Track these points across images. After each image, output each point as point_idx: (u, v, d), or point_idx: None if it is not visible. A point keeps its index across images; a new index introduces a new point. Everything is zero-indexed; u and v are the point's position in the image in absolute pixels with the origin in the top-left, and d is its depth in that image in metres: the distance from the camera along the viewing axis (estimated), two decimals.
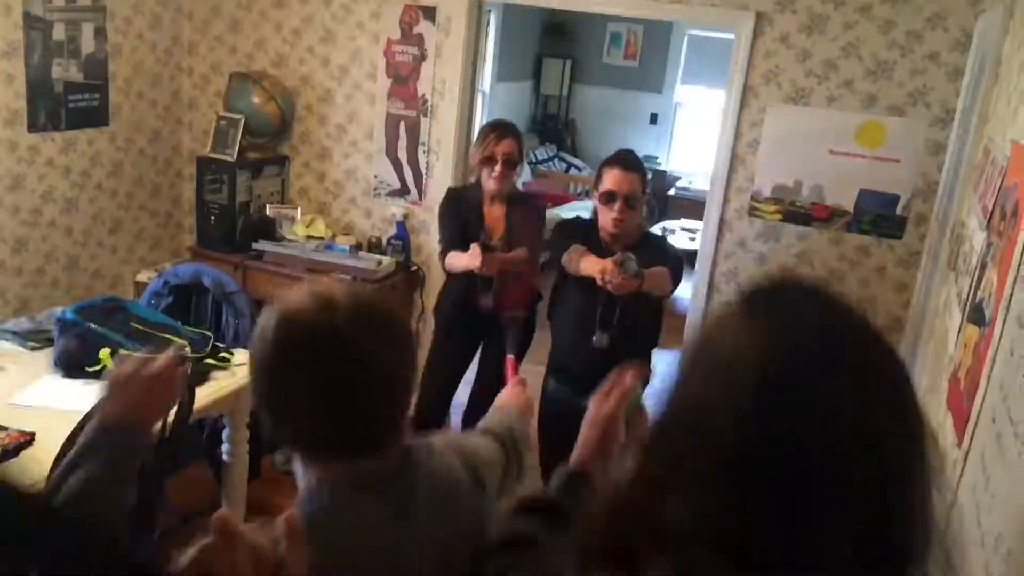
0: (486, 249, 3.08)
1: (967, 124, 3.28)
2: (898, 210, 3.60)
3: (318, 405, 1.15)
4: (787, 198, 3.72)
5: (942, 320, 2.40)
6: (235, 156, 4.22)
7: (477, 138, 3.29)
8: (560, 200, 7.98)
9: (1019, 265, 1.38)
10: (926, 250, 3.51)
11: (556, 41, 9.01)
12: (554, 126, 9.18)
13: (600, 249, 2.79)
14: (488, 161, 3.15)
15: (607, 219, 2.84)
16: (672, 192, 8.62)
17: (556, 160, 8.94)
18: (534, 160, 8.62)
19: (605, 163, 2.91)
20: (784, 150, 3.69)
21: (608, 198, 2.82)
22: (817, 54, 3.58)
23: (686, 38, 8.72)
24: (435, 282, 4.34)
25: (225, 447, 3.14)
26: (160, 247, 4.71)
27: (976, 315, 1.68)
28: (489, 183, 3.19)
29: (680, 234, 7.14)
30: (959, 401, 1.68)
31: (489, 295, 3.15)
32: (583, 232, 2.93)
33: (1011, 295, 1.40)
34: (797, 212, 3.72)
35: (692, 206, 8.37)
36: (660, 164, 8.88)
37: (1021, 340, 1.25)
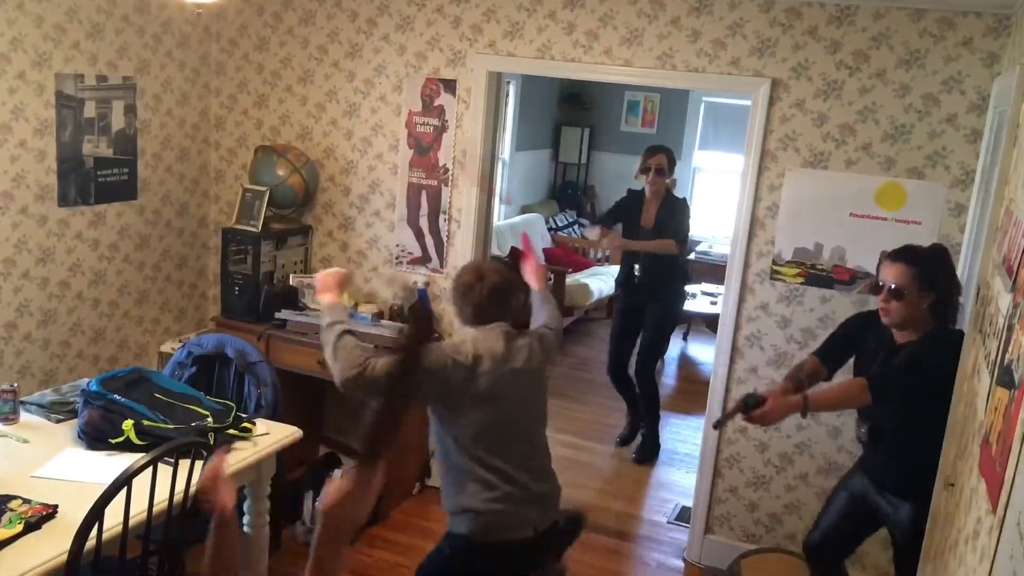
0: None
1: (988, 185, 3.29)
2: None
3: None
4: (808, 261, 3.71)
5: (971, 384, 2.37)
6: (260, 227, 4.28)
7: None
8: (581, 265, 8.01)
9: None
10: None
11: (574, 110, 9.16)
12: (573, 193, 9.27)
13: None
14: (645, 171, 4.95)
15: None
16: (692, 256, 8.62)
17: (576, 226, 9.00)
18: (553, 227, 8.69)
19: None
20: (804, 213, 3.70)
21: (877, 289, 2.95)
22: (834, 118, 3.61)
23: (703, 105, 8.84)
24: None
25: (246, 518, 3.13)
26: (185, 318, 4.76)
27: (1006, 377, 1.65)
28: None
29: (701, 298, 7.13)
30: (992, 466, 1.64)
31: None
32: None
33: None
34: (819, 275, 3.70)
35: (712, 270, 8.37)
36: None
37: None
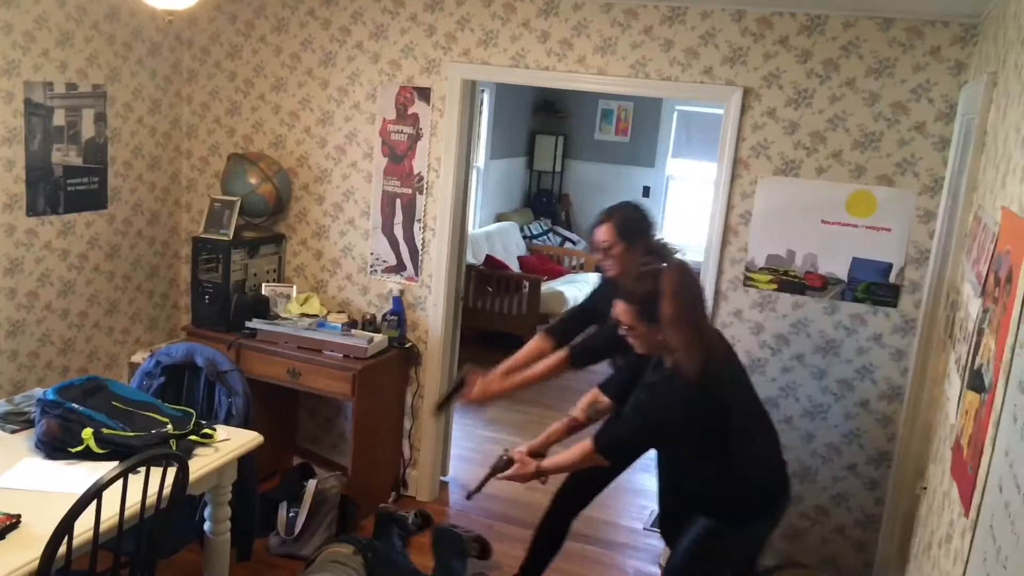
0: None
1: (956, 192, 3.33)
2: (891, 278, 3.61)
3: None
4: (781, 268, 3.74)
5: (942, 388, 2.39)
6: (231, 236, 4.25)
7: None
8: (555, 273, 8.03)
9: (1017, 330, 1.38)
10: (921, 317, 3.52)
11: (548, 118, 9.19)
12: (548, 201, 9.30)
13: None
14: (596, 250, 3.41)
15: None
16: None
17: (551, 234, 9.02)
18: (528, 235, 8.70)
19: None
20: (776, 221, 3.73)
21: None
22: (805, 127, 3.65)
23: (675, 113, 8.90)
24: (432, 357, 4.33)
25: (207, 525, 3.10)
26: (156, 328, 4.71)
27: (976, 381, 1.67)
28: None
29: None
30: (963, 470, 1.66)
31: None
32: None
33: (1011, 360, 1.39)
34: (791, 281, 3.74)
35: None
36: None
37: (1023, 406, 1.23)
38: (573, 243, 8.99)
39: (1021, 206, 1.62)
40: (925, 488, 2.25)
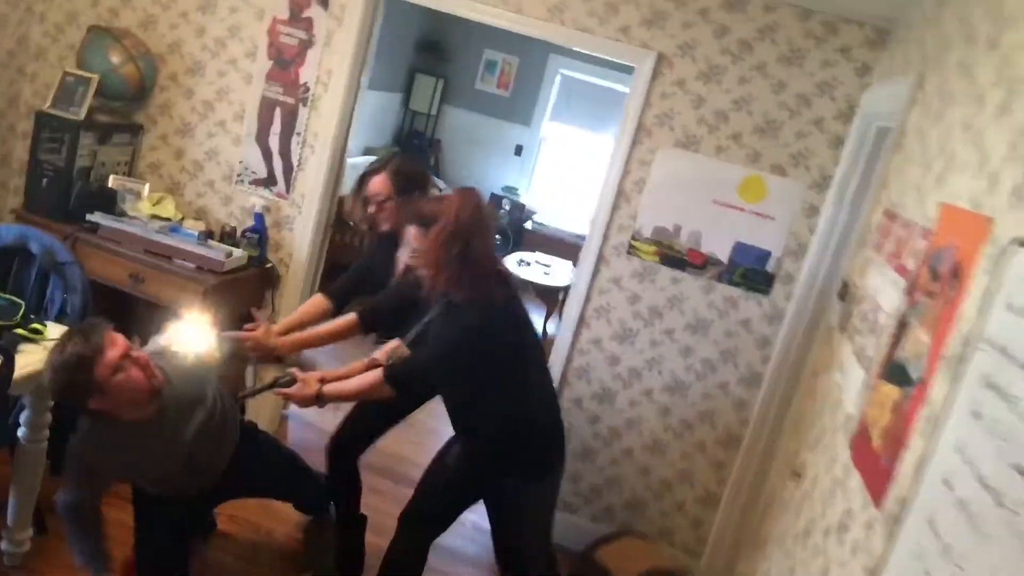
0: None
1: (844, 190, 3.40)
2: (768, 266, 3.67)
3: None
4: (666, 240, 3.72)
5: (826, 379, 2.41)
6: (82, 116, 3.79)
7: None
8: None
9: (982, 325, 1.34)
10: (792, 308, 3.59)
11: (430, 58, 8.88)
12: (419, 144, 9.02)
13: None
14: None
15: None
16: (529, 226, 8.64)
17: None
18: None
19: None
20: (668, 193, 3.70)
21: None
22: (711, 103, 3.62)
23: (559, 76, 8.81)
24: (292, 282, 4.06)
25: (22, 431, 2.76)
26: None
27: (897, 374, 1.65)
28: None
29: (535, 267, 7.12)
30: (873, 460, 1.63)
31: None
32: None
33: (962, 354, 1.36)
34: (674, 256, 3.72)
35: (548, 241, 8.42)
36: (519, 196, 8.89)
37: (988, 401, 1.20)
38: (439, 190, 8.77)
39: (971, 200, 1.60)
40: (799, 475, 2.27)
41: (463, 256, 2.40)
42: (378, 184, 3.03)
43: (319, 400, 2.66)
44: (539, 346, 2.77)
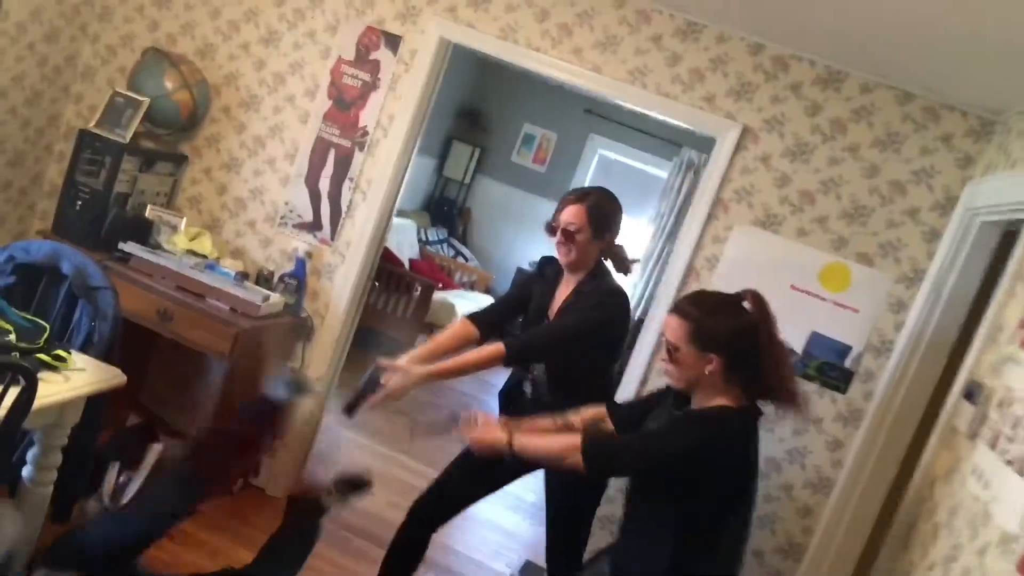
0: None
1: (941, 287, 3.15)
2: (847, 362, 3.38)
3: None
4: None
5: (948, 489, 2.11)
6: (127, 139, 3.57)
7: None
8: (446, 284, 7.56)
9: None
10: (873, 409, 3.29)
11: (469, 127, 8.77)
12: (449, 211, 8.84)
13: None
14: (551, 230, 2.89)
15: None
16: None
17: (445, 245, 8.56)
18: (423, 239, 8.21)
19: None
20: (743, 273, 3.43)
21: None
22: (796, 182, 3.39)
23: (597, 157, 8.68)
24: (325, 336, 3.78)
25: (27, 470, 2.45)
26: (2, 226, 3.91)
27: None
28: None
29: None
30: None
31: None
32: None
33: None
34: None
35: None
36: None
37: None
38: (466, 259, 8.56)
39: None
40: None
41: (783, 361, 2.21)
42: (574, 213, 2.81)
43: (510, 448, 2.28)
44: (755, 500, 2.35)
